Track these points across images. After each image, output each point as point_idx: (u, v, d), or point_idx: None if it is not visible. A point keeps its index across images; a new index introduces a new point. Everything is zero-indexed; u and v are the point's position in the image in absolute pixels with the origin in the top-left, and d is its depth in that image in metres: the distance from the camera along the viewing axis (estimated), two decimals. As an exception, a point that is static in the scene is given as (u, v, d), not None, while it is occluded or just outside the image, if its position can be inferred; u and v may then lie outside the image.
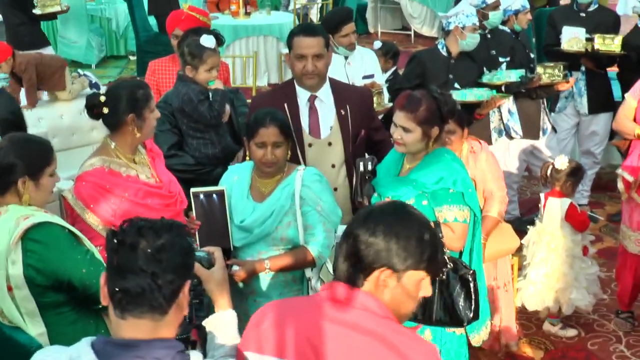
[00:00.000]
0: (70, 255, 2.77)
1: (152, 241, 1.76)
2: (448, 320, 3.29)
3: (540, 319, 4.86)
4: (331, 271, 3.24)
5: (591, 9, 6.23)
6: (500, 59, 5.61)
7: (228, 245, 3.23)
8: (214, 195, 3.24)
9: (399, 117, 3.28)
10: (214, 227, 3.23)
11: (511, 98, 5.62)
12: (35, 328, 2.80)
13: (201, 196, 3.24)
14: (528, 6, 5.87)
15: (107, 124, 3.28)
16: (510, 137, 5.77)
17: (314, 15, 11.41)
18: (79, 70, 6.87)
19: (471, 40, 5.18)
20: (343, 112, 3.83)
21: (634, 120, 4.56)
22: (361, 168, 3.52)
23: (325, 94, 3.84)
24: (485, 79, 5.35)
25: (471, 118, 5.29)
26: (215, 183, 3.48)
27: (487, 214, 4.11)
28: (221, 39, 4.47)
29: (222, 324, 2.21)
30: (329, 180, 3.51)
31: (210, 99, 4.18)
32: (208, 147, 4.27)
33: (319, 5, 11.29)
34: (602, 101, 6.25)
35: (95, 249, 2.91)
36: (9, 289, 2.79)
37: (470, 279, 3.26)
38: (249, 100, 4.71)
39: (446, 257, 3.27)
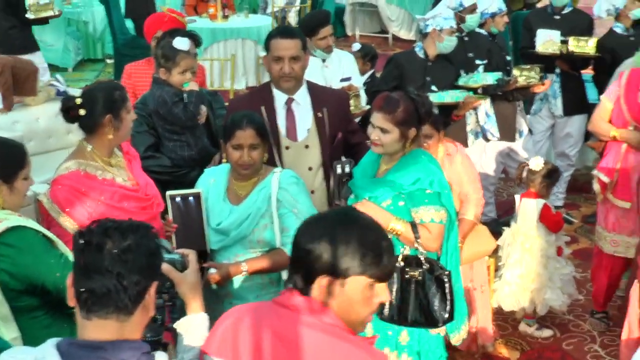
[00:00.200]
0: (44, 259, 2.76)
1: (118, 242, 1.77)
2: (423, 321, 3.31)
3: (517, 319, 4.89)
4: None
5: (565, 11, 6.30)
6: (477, 62, 5.64)
7: (204, 247, 3.23)
8: (191, 198, 3.23)
9: (377, 118, 3.29)
10: (190, 230, 3.23)
11: (488, 100, 5.65)
12: (9, 332, 2.77)
13: (177, 199, 3.24)
14: (505, 9, 5.92)
15: (84, 126, 3.27)
16: (487, 139, 5.80)
17: (292, 19, 11.42)
18: (57, 76, 6.81)
19: (448, 43, 5.20)
20: (320, 115, 3.83)
21: (610, 121, 4.61)
22: (338, 171, 3.53)
23: (302, 97, 3.85)
24: (462, 81, 5.38)
25: (448, 120, 5.32)
26: (192, 185, 3.48)
27: (463, 217, 4.13)
28: (198, 40, 4.46)
29: (193, 326, 2.22)
30: (306, 183, 3.51)
31: (185, 101, 4.17)
32: (184, 149, 4.25)
33: (297, 8, 11.30)
34: (577, 103, 6.31)
35: (70, 253, 2.89)
36: (-17, 293, 2.77)
37: (446, 280, 3.29)
38: (227, 103, 4.71)
39: (422, 258, 3.30)
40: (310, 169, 3.82)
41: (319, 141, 3.83)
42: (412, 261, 3.31)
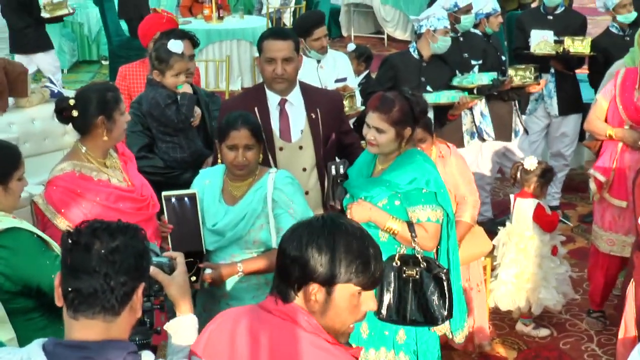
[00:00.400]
0: (39, 261, 2.75)
1: (106, 242, 1.79)
2: (423, 320, 3.31)
3: (513, 319, 4.90)
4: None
5: (558, 11, 6.30)
6: (472, 62, 5.65)
7: (200, 248, 3.22)
8: (186, 199, 3.23)
9: (372, 118, 3.30)
10: (186, 231, 3.22)
11: (483, 100, 5.66)
12: (5, 334, 2.76)
13: (173, 199, 3.23)
14: (499, 9, 5.93)
15: (77, 127, 3.26)
16: (483, 140, 5.81)
17: (287, 19, 11.41)
18: (50, 76, 6.80)
19: (443, 44, 5.21)
20: (314, 116, 3.83)
21: (605, 120, 4.62)
22: (333, 172, 3.52)
23: (295, 98, 3.84)
24: (457, 81, 5.38)
25: (444, 120, 5.33)
26: (184, 187, 3.46)
27: (459, 219, 4.12)
28: (196, 41, 4.45)
29: (182, 328, 2.23)
30: (301, 183, 3.50)
31: (178, 103, 4.16)
32: (177, 151, 4.24)
33: (292, 9, 11.30)
34: (572, 103, 6.32)
35: (66, 254, 2.88)
36: (-22, 294, 2.76)
37: (444, 278, 3.29)
38: (222, 104, 4.70)
39: (419, 257, 3.29)
40: (304, 169, 3.81)
41: (313, 142, 3.83)
42: (409, 260, 3.31)
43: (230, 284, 3.28)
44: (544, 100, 6.34)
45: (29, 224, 2.91)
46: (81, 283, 1.77)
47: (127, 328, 1.85)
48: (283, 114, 3.83)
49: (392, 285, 3.30)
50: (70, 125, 3.27)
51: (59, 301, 1.83)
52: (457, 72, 5.48)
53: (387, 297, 3.31)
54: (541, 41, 6.08)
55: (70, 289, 1.78)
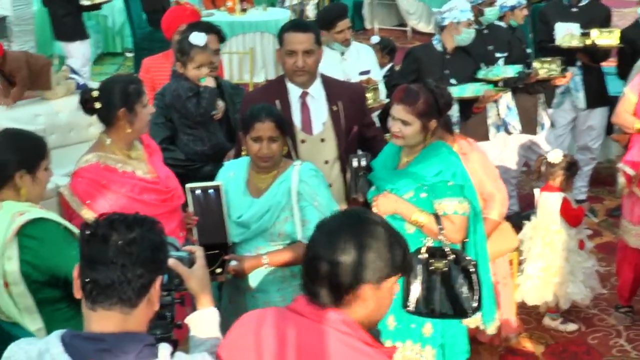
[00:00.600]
0: (66, 251, 2.76)
1: (124, 234, 1.80)
2: (452, 313, 3.29)
3: (540, 313, 4.86)
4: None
5: (582, 3, 6.18)
6: (497, 55, 5.61)
7: (225, 240, 3.22)
8: (211, 191, 3.22)
9: (398, 110, 3.28)
10: (211, 223, 3.22)
11: (509, 93, 5.61)
12: (33, 324, 2.80)
13: (197, 191, 3.23)
14: (524, 2, 5.85)
15: (101, 119, 3.28)
16: (509, 133, 5.76)
17: (310, 12, 11.39)
18: (69, 64, 6.83)
19: (466, 36, 5.17)
20: (335, 108, 3.81)
21: (634, 114, 4.56)
22: (354, 164, 3.51)
23: (316, 90, 3.82)
24: (482, 74, 5.35)
25: (469, 112, 5.29)
26: (204, 180, 3.46)
27: (487, 216, 4.07)
28: (222, 35, 4.45)
29: (203, 321, 2.22)
30: (323, 176, 3.49)
31: (200, 96, 4.15)
32: (197, 144, 4.24)
33: (315, 1, 11.27)
34: (599, 95, 6.23)
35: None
36: (6, 285, 2.78)
37: (472, 270, 3.26)
38: (245, 98, 4.68)
39: (447, 249, 3.28)
40: (326, 162, 3.80)
41: (335, 135, 3.81)
42: (436, 253, 3.29)
43: (255, 276, 3.27)
44: (570, 94, 6.26)
45: (55, 214, 2.92)
46: (98, 274, 1.78)
47: (144, 320, 1.86)
48: (304, 106, 3.82)
49: (420, 277, 3.28)
50: (96, 116, 3.28)
51: (77, 293, 1.85)
52: (481, 64, 5.44)
53: (415, 290, 3.29)
54: (567, 34, 5.99)
55: (87, 280, 1.80)
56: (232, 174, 3.39)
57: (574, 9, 6.17)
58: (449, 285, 3.28)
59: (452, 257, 3.28)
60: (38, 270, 2.76)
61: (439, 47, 5.28)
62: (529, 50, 5.92)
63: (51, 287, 2.80)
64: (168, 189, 3.39)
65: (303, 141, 3.78)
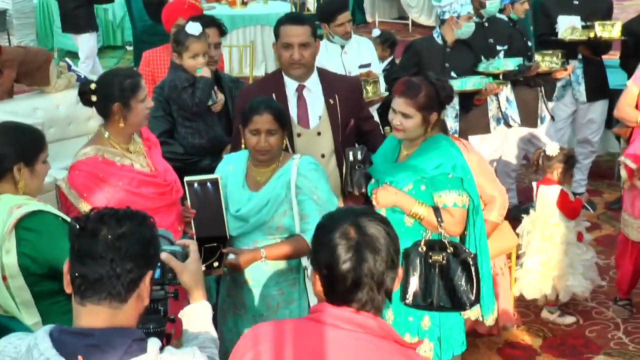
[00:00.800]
0: (64, 244, 2.71)
1: (113, 229, 1.79)
2: (450, 306, 3.29)
3: (539, 306, 4.86)
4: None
5: None
6: (498, 47, 5.60)
7: (224, 233, 3.21)
8: (209, 184, 3.22)
9: (398, 103, 3.28)
10: (209, 216, 3.21)
11: (509, 86, 5.61)
12: (30, 318, 2.79)
13: (195, 185, 3.22)
14: (525, -4, 5.84)
15: (99, 112, 3.28)
16: (509, 126, 5.75)
17: (311, 5, 11.38)
18: (67, 60, 6.82)
19: (466, 29, 5.18)
20: (332, 102, 3.80)
21: (636, 107, 4.54)
22: (350, 157, 3.51)
23: (313, 84, 3.81)
24: (482, 67, 5.35)
25: (470, 105, 5.29)
26: (202, 173, 3.45)
27: (486, 217, 4.06)
28: (223, 29, 4.45)
29: (196, 315, 2.23)
30: (319, 170, 3.48)
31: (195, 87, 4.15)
32: (195, 137, 4.23)
33: (316, -6, 11.25)
34: (599, 88, 6.22)
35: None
36: (4, 278, 2.78)
37: (471, 262, 3.27)
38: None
39: (446, 242, 3.28)
40: (322, 156, 3.79)
41: (331, 128, 3.80)
42: (435, 246, 3.29)
43: (253, 269, 3.27)
44: (572, 87, 6.25)
45: (52, 207, 2.92)
46: (87, 269, 1.78)
47: (134, 315, 1.84)
48: (301, 100, 3.81)
49: (418, 270, 3.28)
50: (94, 109, 3.28)
51: (67, 288, 1.84)
52: (482, 57, 5.44)
53: (413, 283, 3.29)
54: (569, 27, 5.98)
55: (77, 275, 1.79)
56: (231, 167, 3.38)
57: (575, 2, 6.14)
58: (448, 278, 3.28)
59: (450, 250, 3.28)
60: (36, 262, 2.76)
61: (439, 40, 5.28)
62: (530, 44, 5.90)
63: (49, 280, 2.79)
64: (166, 182, 3.39)
65: (299, 135, 3.77)
